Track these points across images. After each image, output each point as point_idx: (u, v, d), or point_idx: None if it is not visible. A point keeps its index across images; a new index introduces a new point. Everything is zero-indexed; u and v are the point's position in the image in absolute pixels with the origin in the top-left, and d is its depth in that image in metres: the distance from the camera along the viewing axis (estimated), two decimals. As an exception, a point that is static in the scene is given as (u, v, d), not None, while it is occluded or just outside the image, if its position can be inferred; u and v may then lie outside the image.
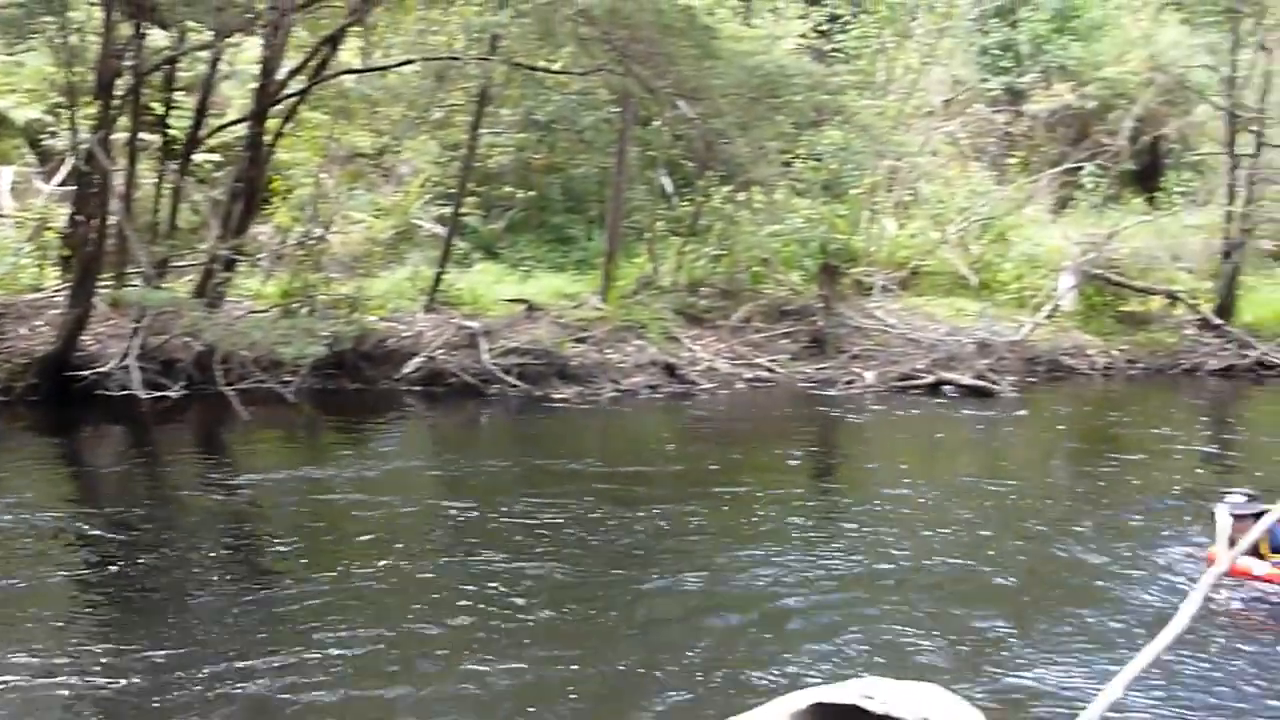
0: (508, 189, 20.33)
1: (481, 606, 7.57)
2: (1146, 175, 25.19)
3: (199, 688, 6.17)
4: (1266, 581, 8.20)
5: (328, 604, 7.51)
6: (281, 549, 9.19)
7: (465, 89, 18.16)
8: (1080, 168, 23.22)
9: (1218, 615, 7.74)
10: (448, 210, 18.12)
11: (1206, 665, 6.84)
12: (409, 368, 15.23)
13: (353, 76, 16.68)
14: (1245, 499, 8.14)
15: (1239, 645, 7.29)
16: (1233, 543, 7.82)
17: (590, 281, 17.99)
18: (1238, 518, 8.08)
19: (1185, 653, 6.75)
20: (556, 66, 17.12)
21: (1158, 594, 7.91)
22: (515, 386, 15.11)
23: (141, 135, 15.25)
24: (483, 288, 17.56)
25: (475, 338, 15.55)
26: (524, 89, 18.74)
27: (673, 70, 13.60)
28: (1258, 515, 7.64)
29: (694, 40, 13.68)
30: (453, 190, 18.19)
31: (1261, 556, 8.26)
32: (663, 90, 14.17)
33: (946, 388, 16.49)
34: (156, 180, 15.75)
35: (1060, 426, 15.53)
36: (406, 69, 17.06)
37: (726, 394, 15.95)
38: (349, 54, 17.25)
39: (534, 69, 16.74)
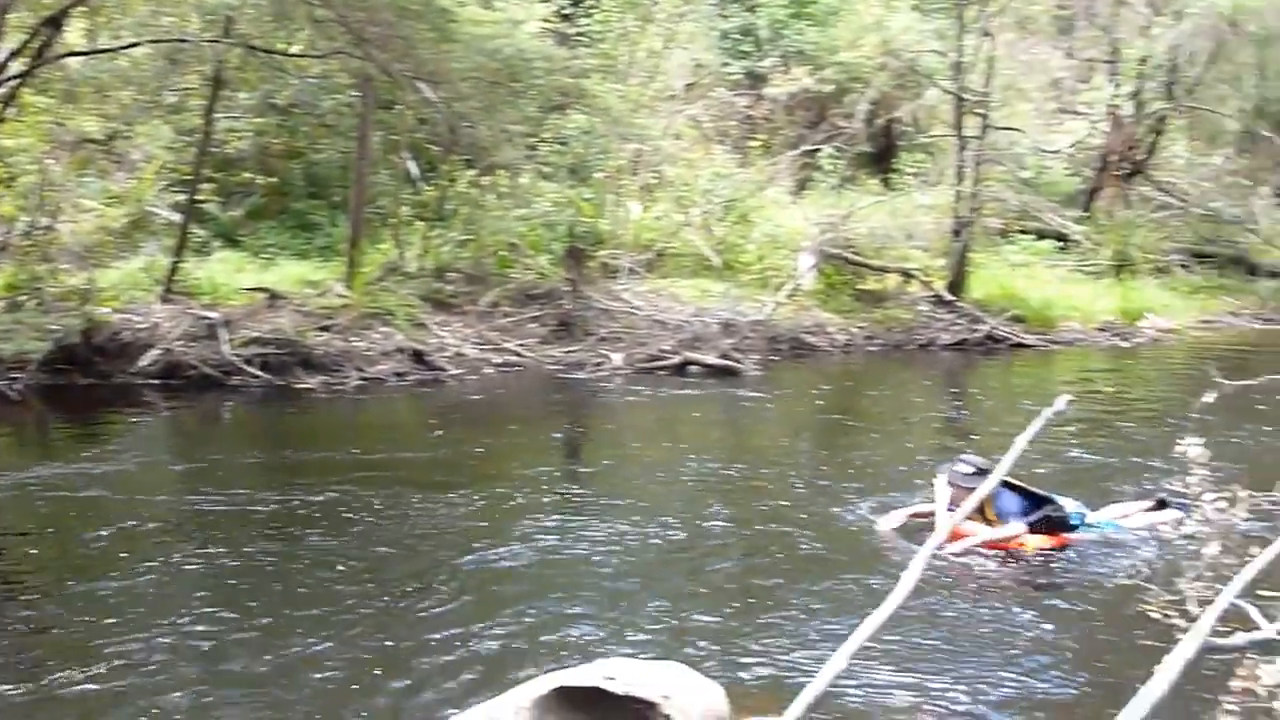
0: (247, 175, 19.83)
1: (243, 600, 7.42)
2: (881, 157, 26.04)
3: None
4: (991, 548, 8.55)
5: (88, 608, 7.22)
6: (22, 556, 8.76)
7: (200, 72, 17.65)
8: (818, 150, 23.80)
9: (940, 581, 8.03)
10: (184, 197, 17.58)
11: (929, 630, 7.09)
12: (145, 360, 14.68)
13: (79, 59, 16.04)
14: (972, 470, 8.43)
15: (961, 610, 7.58)
16: (952, 509, 8.13)
17: (334, 269, 17.68)
18: (957, 485, 8.40)
19: (908, 619, 6.98)
20: (294, 49, 16.78)
21: (897, 561, 8.15)
22: (257, 377, 14.76)
23: None
24: (223, 276, 17.06)
25: (215, 328, 15.10)
26: (261, 72, 18.29)
27: (411, 54, 13.46)
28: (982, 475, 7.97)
29: (431, 23, 13.56)
30: (189, 176, 17.65)
31: (989, 522, 8.60)
32: (402, 74, 14.01)
33: (692, 368, 16.73)
34: None
35: (803, 403, 15.90)
36: (137, 51, 16.49)
37: (475, 379, 15.87)
38: (75, 35, 16.59)
39: (269, 52, 16.35)
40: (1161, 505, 9.08)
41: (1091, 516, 8.97)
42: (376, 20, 13.06)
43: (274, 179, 19.99)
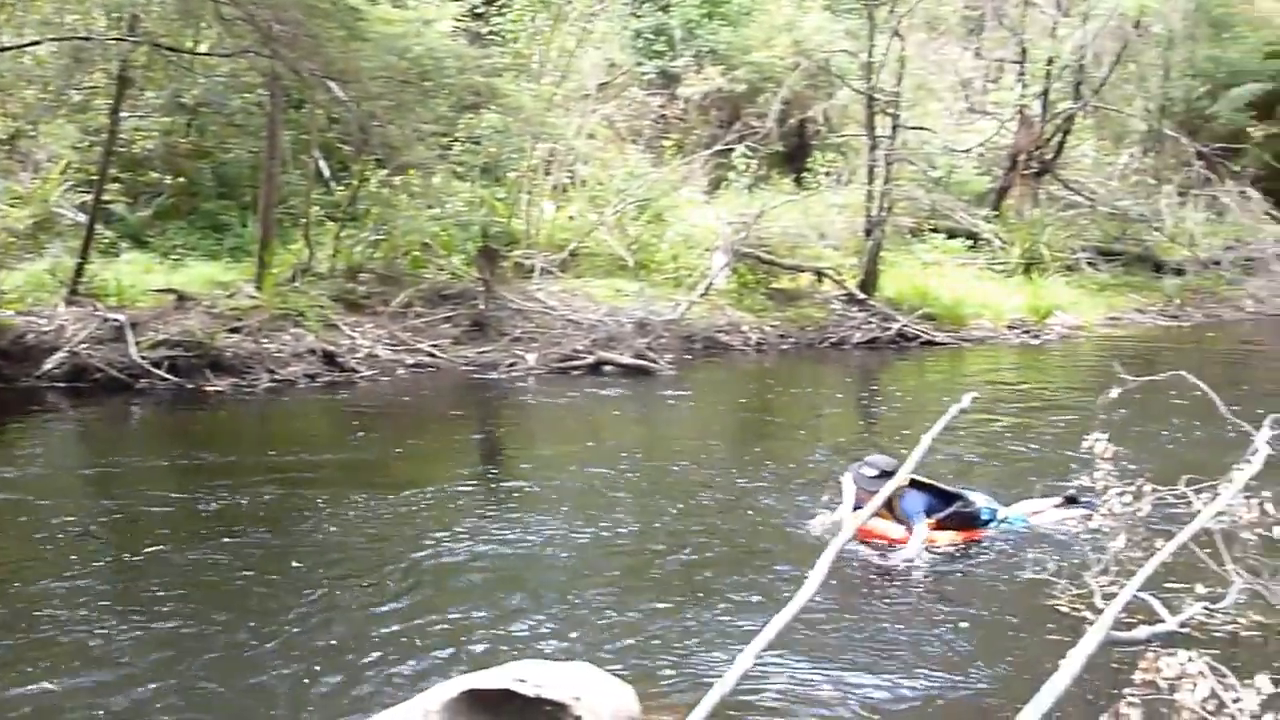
0: (155, 175, 19.57)
1: (161, 603, 7.40)
2: (794, 156, 26.16)
3: None
4: (898, 544, 8.65)
5: (4, 615, 7.18)
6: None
7: (105, 70, 17.40)
8: (732, 149, 23.88)
9: (851, 579, 8.11)
10: (90, 198, 17.29)
11: (840, 627, 7.16)
12: (50, 364, 14.45)
13: (-21, 57, 15.77)
14: (875, 473, 8.51)
15: (872, 606, 7.67)
16: (858, 508, 8.19)
17: (244, 270, 17.47)
18: (861, 487, 8.47)
19: (819, 617, 7.04)
20: (201, 48, 16.58)
21: (814, 559, 8.20)
22: (166, 379, 14.56)
23: None
24: (130, 278, 16.79)
25: (122, 330, 14.89)
26: (168, 71, 18.05)
27: (320, 52, 13.32)
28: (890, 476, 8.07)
29: (340, 21, 13.43)
30: (95, 176, 17.37)
31: (899, 521, 8.69)
32: (311, 73, 13.87)
33: (607, 367, 16.72)
34: None
35: (718, 402, 15.95)
36: (41, 49, 16.22)
37: (388, 380, 15.76)
38: (-24, 34, 16.30)
39: (176, 50, 16.13)
40: (1071, 501, 9.22)
41: (1002, 512, 9.08)
42: (284, 18, 12.88)
43: (182, 179, 19.74)
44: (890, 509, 8.55)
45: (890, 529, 8.67)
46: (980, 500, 9.09)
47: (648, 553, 8.77)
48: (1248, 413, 7.40)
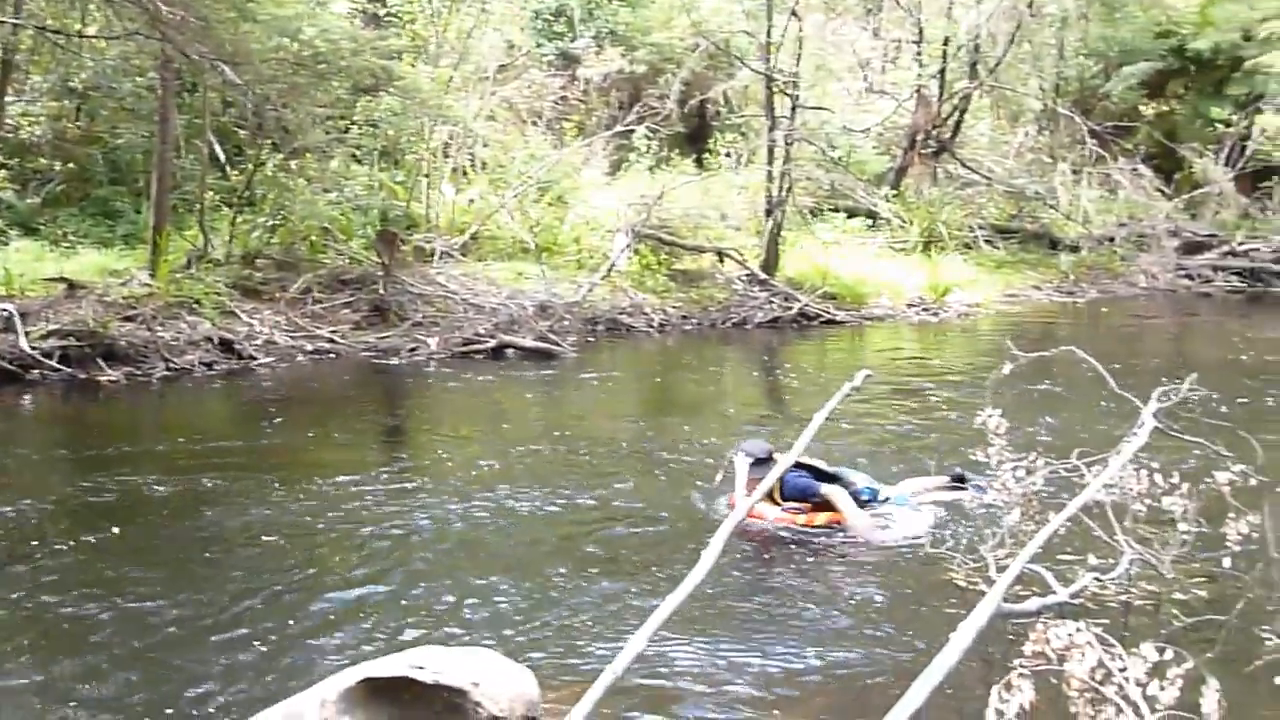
0: (44, 161, 19.22)
1: (46, 602, 7.27)
2: (695, 137, 26.23)
3: None
4: (778, 524, 8.72)
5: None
6: None
7: (-10, 55, 17.06)
8: (632, 130, 23.89)
9: (739, 560, 8.16)
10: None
11: (732, 608, 7.20)
12: (-64, 355, 14.16)
13: None
14: (751, 460, 8.57)
15: (759, 588, 7.75)
16: (749, 491, 8.22)
17: (138, 257, 17.19)
18: (754, 465, 8.52)
19: (712, 598, 7.08)
20: (89, 30, 16.29)
21: (702, 541, 8.24)
22: (58, 370, 14.28)
23: None
24: (20, 266, 16.44)
25: (11, 320, 14.57)
26: (55, 55, 17.72)
27: (210, 35, 13.13)
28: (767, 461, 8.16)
29: (230, 3, 13.25)
30: (-19, 165, 17.05)
31: (776, 503, 8.75)
32: (202, 56, 13.67)
33: (510, 351, 16.66)
34: None
35: (619, 383, 15.93)
36: (-78, 34, 15.86)
37: (287, 367, 15.54)
38: None
39: (61, 33, 15.82)
40: (958, 481, 9.28)
41: (884, 491, 9.13)
42: (173, 1, 12.69)
43: (73, 165, 19.40)
44: (769, 492, 8.61)
45: (767, 510, 8.73)
46: (860, 479, 9.14)
47: (550, 535, 8.77)
48: (1139, 385, 7.50)
